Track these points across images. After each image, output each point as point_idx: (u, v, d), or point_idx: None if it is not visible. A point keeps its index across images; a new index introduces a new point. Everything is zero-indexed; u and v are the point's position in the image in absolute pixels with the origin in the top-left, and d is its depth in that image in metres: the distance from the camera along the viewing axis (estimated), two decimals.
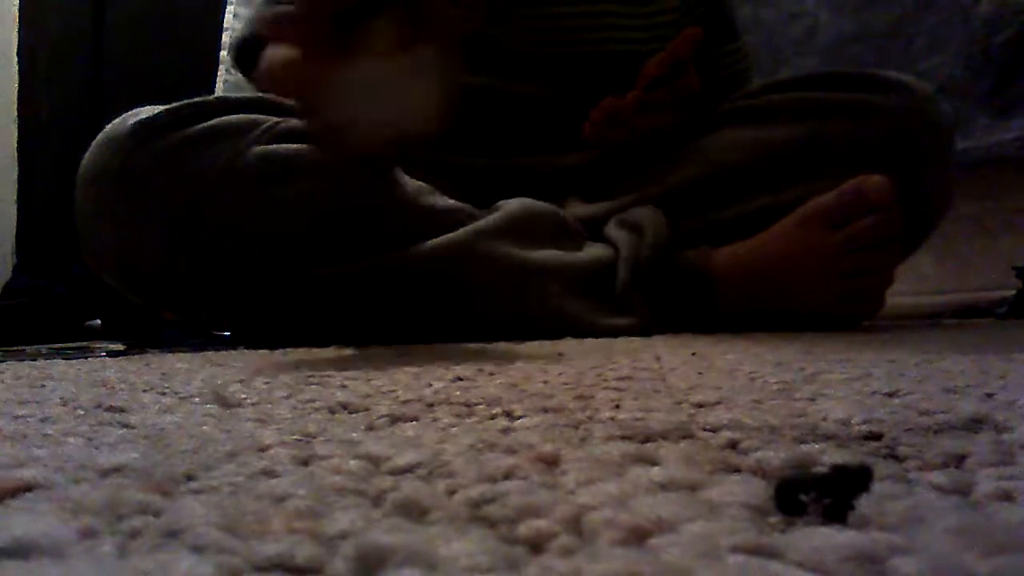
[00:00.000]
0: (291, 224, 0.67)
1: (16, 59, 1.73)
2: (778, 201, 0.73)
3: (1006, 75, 1.30)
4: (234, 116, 0.68)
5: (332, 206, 0.67)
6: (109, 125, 0.68)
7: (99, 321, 1.17)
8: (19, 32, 1.74)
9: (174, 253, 0.66)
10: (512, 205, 0.74)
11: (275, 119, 0.69)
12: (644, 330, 0.70)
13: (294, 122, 0.71)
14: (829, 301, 0.70)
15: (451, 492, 0.15)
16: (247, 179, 0.66)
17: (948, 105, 0.79)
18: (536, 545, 0.12)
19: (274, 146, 0.67)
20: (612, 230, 0.76)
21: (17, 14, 1.74)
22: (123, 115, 0.68)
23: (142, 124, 0.66)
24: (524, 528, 0.13)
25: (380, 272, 0.68)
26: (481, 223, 0.71)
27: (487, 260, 0.69)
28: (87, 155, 0.68)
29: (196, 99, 0.69)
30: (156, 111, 0.67)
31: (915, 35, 1.41)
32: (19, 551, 0.12)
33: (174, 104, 0.68)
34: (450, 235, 0.69)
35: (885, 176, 0.67)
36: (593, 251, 0.74)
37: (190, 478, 0.17)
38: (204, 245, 0.66)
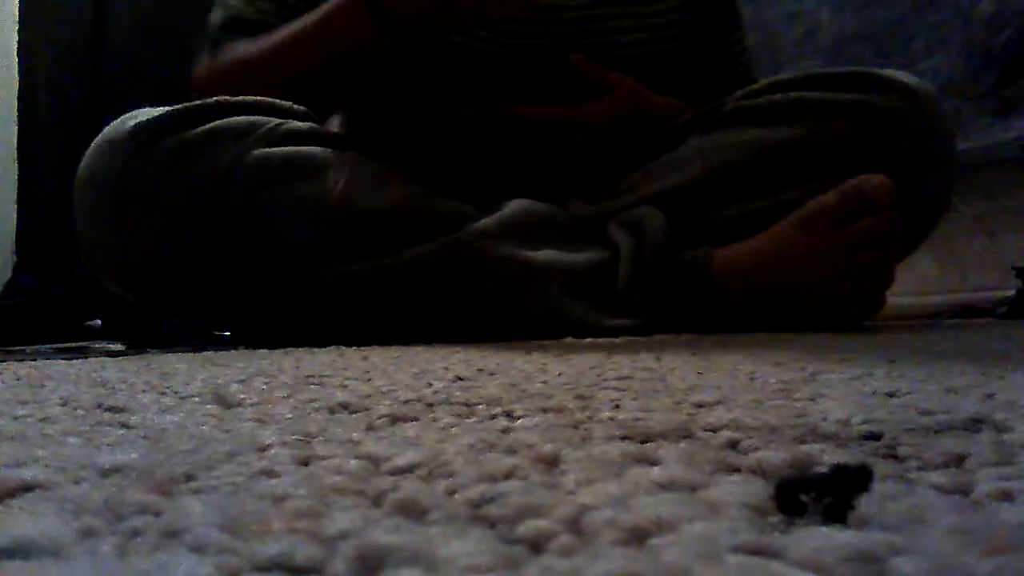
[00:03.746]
0: (291, 227, 0.67)
1: (16, 59, 1.73)
2: (778, 202, 0.73)
3: (1006, 75, 1.30)
4: (234, 119, 0.68)
5: (332, 208, 0.67)
6: (107, 127, 0.68)
7: (99, 321, 1.17)
8: (19, 32, 1.74)
9: (174, 257, 0.66)
10: (513, 206, 0.74)
11: (276, 121, 0.69)
12: (644, 330, 0.70)
13: (294, 124, 0.71)
14: (830, 301, 0.70)
15: (451, 492, 0.15)
16: (248, 182, 0.66)
17: (948, 106, 0.79)
18: (536, 545, 0.12)
19: (274, 149, 0.67)
20: (613, 230, 0.76)
21: (17, 14, 1.74)
22: (122, 117, 0.68)
23: (141, 127, 0.66)
24: (524, 528, 0.13)
25: (381, 273, 0.68)
26: (482, 223, 0.71)
27: (488, 260, 0.69)
28: (85, 158, 0.68)
29: (196, 101, 0.69)
30: (155, 113, 0.67)
31: (915, 35, 1.41)
32: (19, 551, 0.12)
33: (174, 106, 0.68)
34: (451, 236, 0.69)
35: (885, 176, 0.67)
36: (593, 251, 0.74)
37: (190, 478, 0.17)
38: (205, 249, 0.66)
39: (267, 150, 0.67)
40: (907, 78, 0.77)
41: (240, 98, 0.70)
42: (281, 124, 0.69)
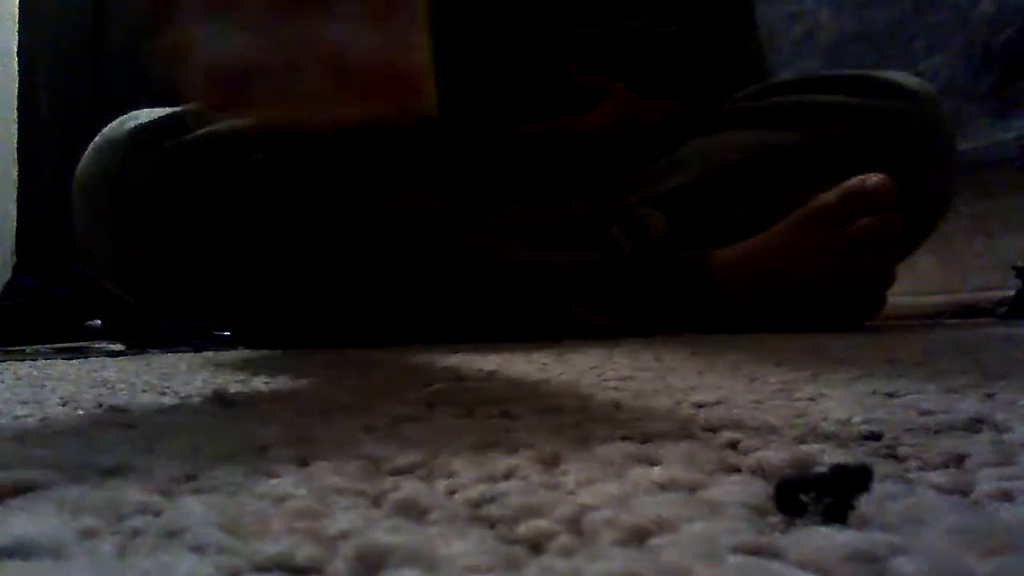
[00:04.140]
0: (291, 231, 0.67)
1: (16, 59, 1.73)
2: (779, 204, 0.73)
3: (1006, 75, 1.30)
4: (235, 121, 0.68)
5: (331, 213, 0.68)
6: (107, 128, 0.68)
7: (99, 321, 1.17)
8: (19, 32, 1.74)
9: (171, 258, 0.66)
10: (514, 208, 0.74)
11: None
12: (645, 331, 0.70)
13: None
14: (830, 300, 0.70)
15: (451, 492, 0.15)
16: (248, 185, 0.66)
17: (948, 106, 0.79)
18: (536, 545, 0.12)
19: (272, 154, 0.67)
20: (614, 231, 0.76)
21: (17, 14, 1.74)
22: (120, 118, 0.68)
23: (141, 128, 0.65)
24: (524, 528, 0.13)
25: (382, 275, 0.68)
26: (483, 225, 0.71)
27: (489, 261, 0.69)
28: (84, 159, 0.67)
29: (197, 103, 0.69)
30: (154, 115, 0.67)
31: (915, 35, 1.41)
32: (19, 551, 0.12)
33: (174, 109, 0.68)
34: (451, 236, 0.70)
35: (886, 175, 0.67)
36: (594, 252, 0.74)
37: (190, 478, 0.17)
38: (202, 251, 0.65)
39: (265, 156, 0.67)
40: (907, 80, 0.77)
41: None
42: (279, 129, 0.69)
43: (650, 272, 0.72)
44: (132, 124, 0.66)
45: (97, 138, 0.67)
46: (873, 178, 0.66)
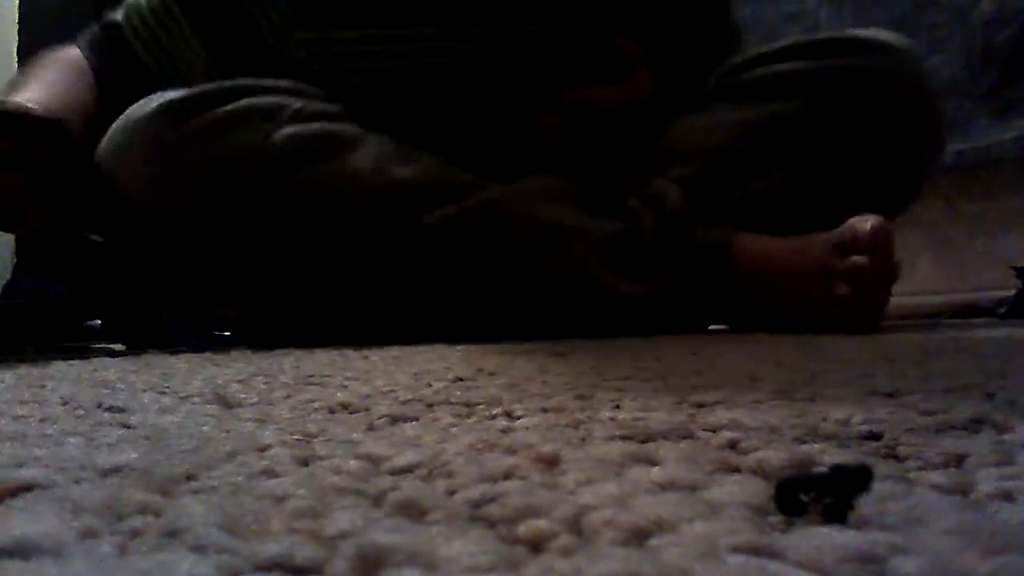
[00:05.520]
0: (316, 204, 0.67)
1: (16, 59, 1.73)
2: (771, 187, 0.73)
3: (1006, 75, 1.30)
4: (259, 98, 0.68)
5: (356, 185, 0.68)
6: (129, 110, 0.68)
7: (99, 321, 1.17)
8: (19, 32, 1.74)
9: (201, 230, 0.67)
10: (533, 176, 0.74)
11: (301, 101, 0.70)
12: (661, 299, 0.70)
13: (319, 105, 0.71)
14: (823, 317, 0.69)
15: (451, 492, 0.15)
16: (274, 160, 0.67)
17: (947, 105, 0.80)
18: (536, 545, 0.12)
19: (300, 127, 0.68)
20: (632, 203, 0.76)
21: (17, 14, 1.74)
22: (137, 104, 0.69)
23: (173, 103, 0.67)
24: (524, 528, 0.13)
25: (408, 241, 0.68)
26: (504, 187, 0.71)
27: (512, 220, 0.69)
28: (106, 141, 0.68)
29: (221, 82, 0.70)
30: (183, 93, 0.68)
31: (915, 35, 1.41)
32: (19, 551, 0.12)
33: (200, 87, 0.69)
34: (479, 195, 0.70)
35: (882, 219, 0.66)
36: (615, 222, 0.74)
37: (190, 478, 0.17)
38: (232, 225, 0.66)
39: (294, 128, 0.68)
40: (888, 36, 0.77)
41: (263, 81, 0.71)
42: (306, 105, 0.70)
43: (671, 243, 0.72)
44: (162, 100, 0.67)
45: (121, 120, 0.68)
46: (867, 222, 0.66)
